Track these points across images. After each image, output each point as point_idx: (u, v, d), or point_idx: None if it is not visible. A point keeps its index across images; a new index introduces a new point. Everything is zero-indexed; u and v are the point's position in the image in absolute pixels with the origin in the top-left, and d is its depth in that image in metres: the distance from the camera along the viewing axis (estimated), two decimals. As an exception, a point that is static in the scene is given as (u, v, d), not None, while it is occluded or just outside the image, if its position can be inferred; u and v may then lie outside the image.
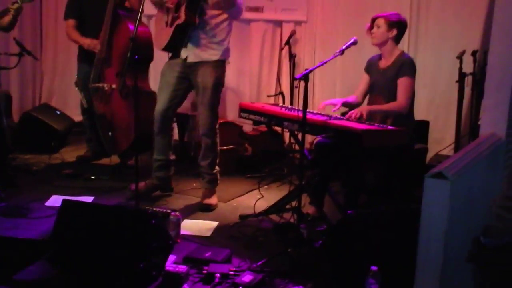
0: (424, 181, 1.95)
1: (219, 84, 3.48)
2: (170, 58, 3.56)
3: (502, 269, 1.31)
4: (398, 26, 3.22)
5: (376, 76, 3.32)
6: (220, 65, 3.46)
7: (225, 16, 3.40)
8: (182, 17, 3.26)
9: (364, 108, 3.14)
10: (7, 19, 3.64)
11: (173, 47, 3.46)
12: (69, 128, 4.94)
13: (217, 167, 3.61)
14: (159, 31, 3.56)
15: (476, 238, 1.35)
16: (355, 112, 3.07)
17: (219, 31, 3.40)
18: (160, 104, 3.51)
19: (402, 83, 3.16)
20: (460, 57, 3.80)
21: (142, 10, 3.18)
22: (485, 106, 2.63)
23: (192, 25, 3.31)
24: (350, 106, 3.37)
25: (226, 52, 3.47)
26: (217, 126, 3.55)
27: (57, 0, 5.53)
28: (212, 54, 3.40)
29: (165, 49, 3.51)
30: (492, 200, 1.28)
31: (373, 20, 3.27)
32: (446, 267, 1.81)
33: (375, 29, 3.24)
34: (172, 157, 3.67)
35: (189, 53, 3.42)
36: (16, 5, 3.58)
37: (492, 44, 2.46)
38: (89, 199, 3.49)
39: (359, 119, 3.03)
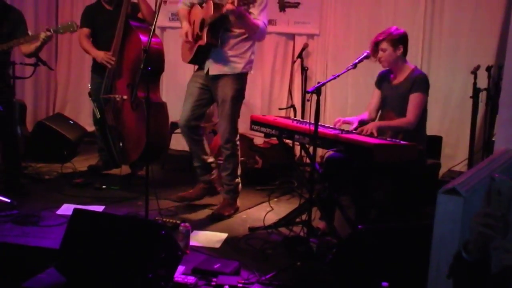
0: (437, 197, 1.92)
1: (238, 96, 3.52)
2: (196, 71, 3.67)
3: (481, 284, 1.30)
4: (402, 41, 3.15)
5: (388, 91, 3.28)
6: (241, 78, 3.50)
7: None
8: (204, 39, 3.35)
9: (373, 125, 3.12)
10: (34, 45, 3.63)
11: (197, 61, 3.58)
12: (82, 137, 4.98)
13: (237, 179, 3.63)
14: (184, 43, 3.62)
15: (458, 253, 1.33)
16: (365, 129, 3.06)
17: (241, 45, 3.44)
18: (183, 115, 3.61)
19: (414, 99, 3.12)
20: (474, 72, 3.77)
21: (156, 21, 3.21)
22: (500, 122, 2.60)
23: (214, 47, 3.41)
24: (364, 123, 3.34)
25: (248, 64, 3.51)
26: (237, 138, 3.58)
27: (72, 11, 5.63)
28: (233, 68, 3.45)
29: (190, 62, 3.64)
30: (473, 217, 1.28)
31: (376, 44, 3.17)
32: (458, 284, 1.77)
33: (381, 53, 3.16)
34: (210, 159, 3.74)
35: (212, 67, 3.48)
36: (48, 33, 3.56)
37: (507, 59, 2.45)
38: (99, 208, 3.51)
39: (370, 136, 3.01)
